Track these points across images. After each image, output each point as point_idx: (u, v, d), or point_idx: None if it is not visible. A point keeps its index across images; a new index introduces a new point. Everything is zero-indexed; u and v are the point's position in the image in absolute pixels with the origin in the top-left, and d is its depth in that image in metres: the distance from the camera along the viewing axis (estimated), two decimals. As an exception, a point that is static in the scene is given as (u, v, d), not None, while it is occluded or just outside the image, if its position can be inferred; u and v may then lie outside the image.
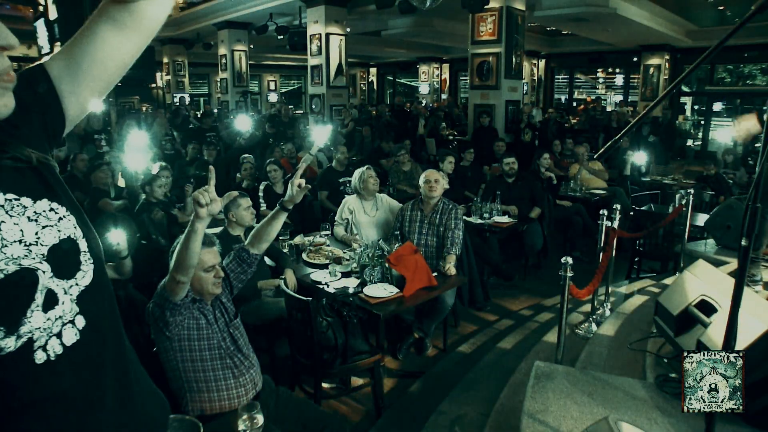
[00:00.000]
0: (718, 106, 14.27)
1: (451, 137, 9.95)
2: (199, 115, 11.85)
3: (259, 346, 2.66)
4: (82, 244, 0.71)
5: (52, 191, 0.70)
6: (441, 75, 19.20)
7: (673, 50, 13.85)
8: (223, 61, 14.22)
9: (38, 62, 0.74)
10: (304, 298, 2.50)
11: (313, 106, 10.89)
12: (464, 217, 4.35)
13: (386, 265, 3.07)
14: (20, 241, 0.62)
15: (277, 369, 3.01)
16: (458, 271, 3.46)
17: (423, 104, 14.24)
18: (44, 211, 0.67)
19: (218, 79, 15.38)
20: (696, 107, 14.60)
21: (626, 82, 16.12)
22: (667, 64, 13.98)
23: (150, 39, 0.80)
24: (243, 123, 7.76)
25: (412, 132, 9.80)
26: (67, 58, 0.74)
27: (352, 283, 3.08)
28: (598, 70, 16.96)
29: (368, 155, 7.63)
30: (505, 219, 4.61)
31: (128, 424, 0.78)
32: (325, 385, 2.96)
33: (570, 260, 2.30)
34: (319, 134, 5.53)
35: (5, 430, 0.63)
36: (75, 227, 0.71)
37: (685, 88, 14.81)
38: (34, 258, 0.64)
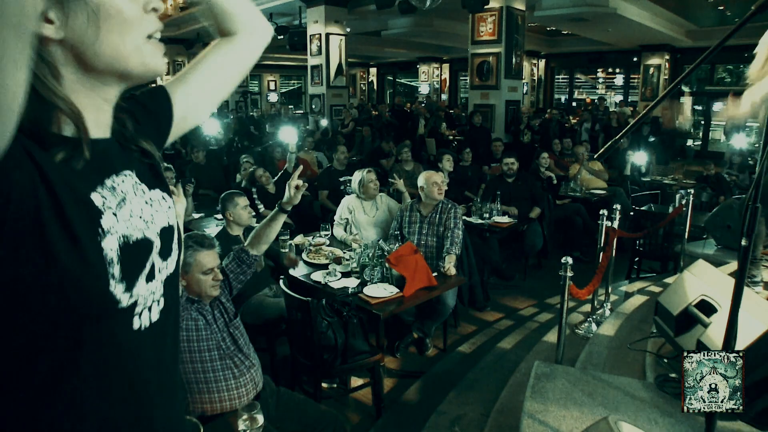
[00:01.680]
0: (718, 106, 14.26)
1: (450, 137, 9.95)
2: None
3: (259, 346, 2.66)
4: (176, 235, 0.81)
5: (164, 184, 0.81)
6: (441, 75, 19.20)
7: (673, 50, 13.86)
8: (223, 61, 14.20)
9: (159, 83, 0.88)
10: (304, 298, 2.50)
11: (313, 106, 10.90)
12: (464, 217, 4.35)
13: (386, 265, 3.06)
14: (140, 217, 0.71)
15: (277, 369, 3.01)
16: (458, 271, 3.46)
17: (423, 104, 14.24)
18: (157, 199, 0.77)
19: (218, 79, 15.35)
20: (696, 107, 14.59)
21: (626, 82, 16.12)
22: (667, 64, 13.98)
23: (251, 63, 0.97)
24: (212, 127, 7.69)
25: (412, 132, 9.80)
26: (184, 82, 0.89)
27: (352, 283, 3.08)
28: (598, 70, 16.96)
29: (368, 155, 7.63)
30: (505, 219, 4.61)
31: (171, 414, 0.83)
32: (325, 385, 2.95)
33: (570, 260, 2.30)
34: (288, 135, 5.56)
35: (90, 390, 0.67)
36: (174, 218, 0.81)
37: (685, 88, 14.80)
38: (151, 232, 0.73)
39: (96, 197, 0.65)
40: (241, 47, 0.94)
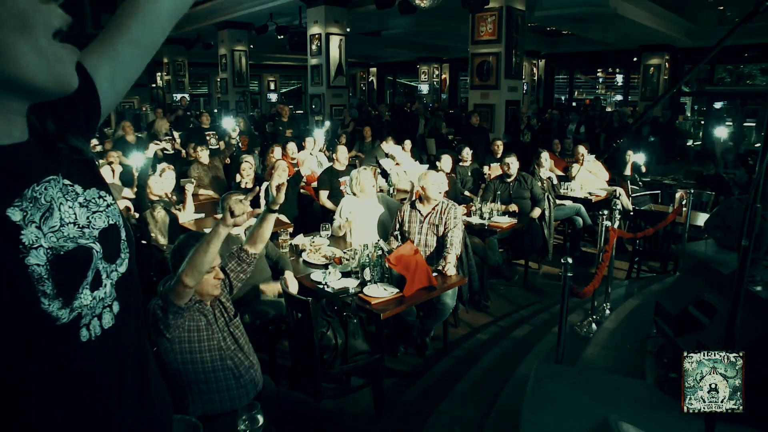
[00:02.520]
0: (718, 106, 14.27)
1: (450, 137, 9.95)
2: (197, 114, 11.85)
3: (259, 346, 2.66)
4: (122, 233, 0.75)
5: (100, 181, 0.75)
6: (441, 75, 19.20)
7: (673, 50, 13.86)
8: (223, 61, 14.23)
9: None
10: (304, 298, 2.50)
11: (313, 106, 10.90)
12: (464, 217, 4.34)
13: (386, 265, 3.06)
14: (74, 223, 0.66)
15: (277, 369, 3.01)
16: (458, 271, 3.46)
17: (423, 101, 14.24)
18: (94, 198, 0.71)
19: (218, 79, 15.40)
20: (696, 107, 14.60)
21: (626, 82, 16.13)
22: (667, 64, 13.99)
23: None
24: (229, 122, 7.74)
25: (412, 132, 9.80)
26: (103, 46, 0.77)
27: (352, 283, 3.08)
28: (598, 70, 16.97)
29: (368, 155, 7.63)
30: (505, 219, 4.61)
31: (143, 417, 0.80)
32: (325, 385, 2.95)
33: (570, 260, 2.30)
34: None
35: (47, 406, 0.64)
36: (119, 215, 0.75)
37: (685, 88, 14.82)
38: (87, 238, 0.68)
39: (13, 212, 0.59)
40: None
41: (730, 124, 13.35)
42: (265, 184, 4.90)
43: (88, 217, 0.69)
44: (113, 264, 0.72)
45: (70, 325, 0.64)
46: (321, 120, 10.49)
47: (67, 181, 0.68)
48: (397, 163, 5.98)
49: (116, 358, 0.73)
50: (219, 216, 3.51)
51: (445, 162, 5.42)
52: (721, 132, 7.80)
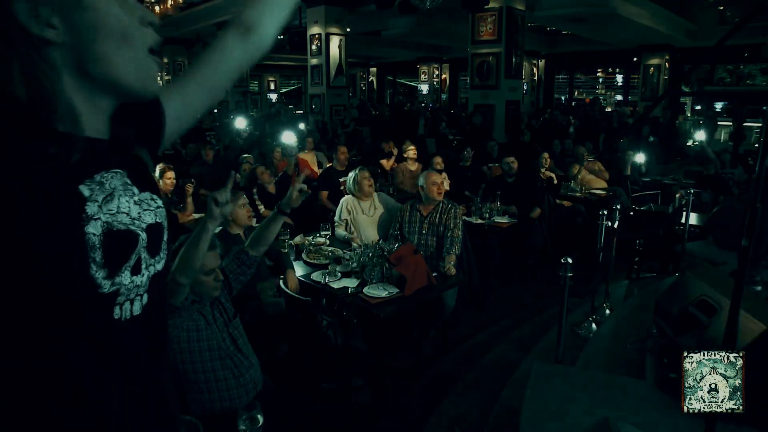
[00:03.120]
0: (718, 106, 14.27)
1: (451, 137, 9.96)
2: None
3: (259, 346, 2.66)
4: (165, 234, 0.83)
5: (154, 186, 0.84)
6: (441, 75, 19.20)
7: (673, 50, 13.86)
8: (223, 61, 14.19)
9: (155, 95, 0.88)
10: (304, 298, 2.50)
11: (313, 106, 10.90)
12: (464, 217, 4.34)
13: (386, 265, 3.06)
14: (128, 214, 0.75)
15: (277, 369, 3.01)
16: (458, 271, 3.46)
17: (423, 104, 14.24)
18: (146, 199, 0.80)
19: (218, 79, 15.36)
20: (696, 107, 14.61)
21: (626, 82, 16.13)
22: (667, 64, 13.98)
23: (259, 56, 0.96)
24: (241, 123, 7.79)
25: (412, 132, 9.80)
26: (177, 84, 0.91)
27: (352, 283, 3.08)
28: (598, 70, 16.97)
29: (368, 155, 7.63)
30: (505, 219, 4.60)
31: (153, 415, 0.83)
32: (325, 385, 2.95)
33: (570, 260, 2.30)
34: (287, 137, 5.59)
35: (76, 370, 0.70)
36: (165, 218, 0.83)
37: (685, 88, 14.82)
38: (136, 227, 0.76)
39: (83, 189, 0.69)
40: (251, 47, 0.94)
41: (730, 124, 13.37)
42: (255, 187, 4.91)
43: (139, 213, 0.77)
44: (154, 258, 0.79)
45: (109, 297, 0.71)
46: (321, 120, 10.49)
47: (128, 180, 0.78)
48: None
49: (137, 346, 0.78)
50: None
51: (436, 164, 5.39)
52: (701, 135, 7.81)
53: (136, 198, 0.78)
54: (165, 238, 0.83)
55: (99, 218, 0.70)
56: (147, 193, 0.81)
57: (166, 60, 16.76)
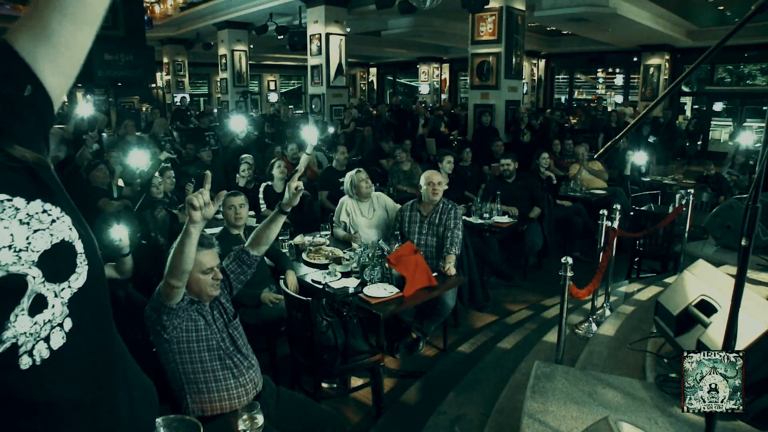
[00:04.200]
0: (718, 106, 14.27)
1: (451, 137, 9.96)
2: (197, 114, 11.84)
3: (259, 346, 2.66)
4: (78, 246, 0.69)
5: (47, 191, 0.67)
6: (441, 75, 19.20)
7: (673, 50, 13.86)
8: (223, 61, 14.23)
9: (1, 40, 0.66)
10: (304, 298, 2.50)
11: (313, 106, 10.89)
12: (464, 217, 4.34)
13: (386, 265, 3.06)
14: (10, 247, 0.61)
15: (277, 369, 3.01)
16: (458, 271, 3.46)
17: (423, 104, 14.23)
18: (37, 212, 0.64)
19: (218, 79, 15.39)
20: (696, 107, 14.61)
21: (626, 82, 16.13)
22: (667, 64, 13.99)
23: None
24: (239, 123, 7.75)
25: (412, 132, 9.79)
26: (33, 26, 0.66)
27: (352, 283, 3.08)
28: (598, 70, 16.97)
29: (368, 155, 7.63)
30: (505, 219, 4.61)
31: (123, 420, 0.78)
32: (325, 385, 2.95)
33: (570, 260, 2.30)
34: (309, 133, 5.53)
35: None
36: (70, 228, 0.68)
37: (685, 88, 14.82)
38: (23, 264, 0.62)
39: None
40: None
41: (729, 124, 13.37)
42: (263, 185, 4.90)
43: (27, 238, 0.63)
44: (64, 282, 0.67)
45: (2, 356, 0.60)
46: (321, 119, 10.49)
47: (2, 196, 0.61)
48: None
49: (75, 375, 0.68)
50: (219, 216, 3.53)
51: (447, 164, 5.40)
52: (747, 139, 7.64)
53: (21, 215, 0.63)
54: (80, 249, 0.69)
55: None
56: (38, 202, 0.65)
57: (166, 60, 16.77)
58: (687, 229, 3.96)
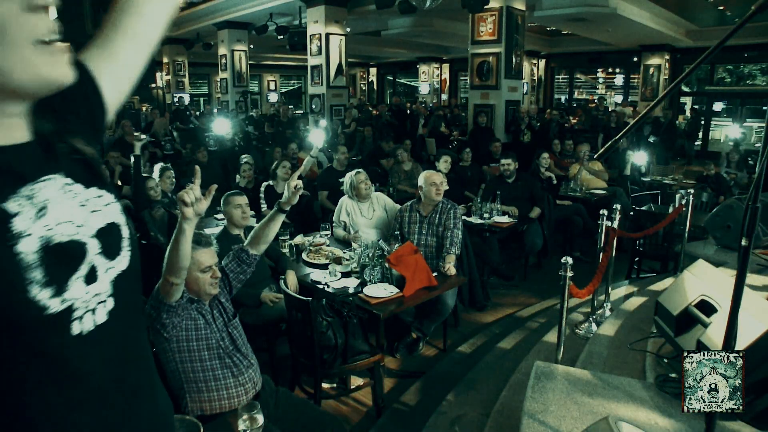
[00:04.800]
0: (718, 106, 14.27)
1: (451, 137, 9.96)
2: (198, 114, 11.85)
3: (259, 346, 2.66)
4: (124, 231, 0.77)
5: (101, 180, 0.76)
6: (441, 75, 19.20)
7: (673, 50, 13.86)
8: (223, 61, 14.22)
9: (75, 58, 0.75)
10: (304, 298, 2.50)
11: (313, 106, 10.89)
12: (464, 217, 4.34)
13: (386, 265, 3.06)
14: (71, 222, 0.68)
15: (277, 369, 3.01)
16: (458, 271, 3.46)
17: (423, 104, 14.25)
18: (92, 197, 0.72)
19: (218, 79, 15.38)
20: (696, 107, 14.60)
21: (626, 82, 16.13)
22: (667, 64, 13.98)
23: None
24: (222, 126, 7.66)
25: (412, 132, 9.79)
26: (102, 43, 0.79)
27: (352, 283, 3.08)
28: (598, 70, 16.96)
29: (368, 155, 7.63)
30: (505, 219, 4.60)
31: (144, 417, 0.80)
32: (325, 385, 2.95)
33: (570, 260, 2.30)
34: (317, 136, 5.52)
35: (40, 402, 0.65)
36: (119, 214, 0.77)
37: (685, 88, 14.82)
38: (84, 235, 0.70)
39: (8, 206, 0.62)
40: None
41: (729, 124, 13.36)
42: (264, 184, 4.90)
43: (85, 217, 0.70)
44: (112, 260, 0.73)
45: (60, 316, 0.65)
46: (321, 119, 10.49)
47: (68, 180, 0.69)
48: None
49: (108, 354, 0.72)
50: (220, 216, 3.53)
51: (443, 164, 5.40)
52: (735, 132, 7.60)
53: (80, 199, 0.70)
54: (126, 234, 0.76)
55: (31, 234, 0.62)
56: (93, 189, 0.73)
57: (166, 60, 16.77)
58: (687, 229, 3.96)
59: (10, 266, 0.60)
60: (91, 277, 0.69)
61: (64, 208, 0.68)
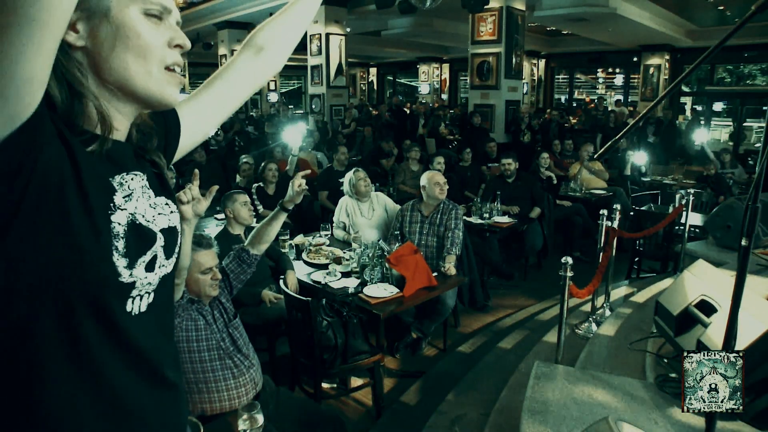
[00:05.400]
0: (718, 106, 14.27)
1: (451, 137, 9.96)
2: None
3: (259, 346, 2.66)
4: (179, 239, 0.87)
5: (169, 192, 0.87)
6: (441, 75, 19.20)
7: (673, 50, 13.86)
8: (223, 61, 14.22)
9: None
10: (304, 298, 2.50)
11: (313, 106, 10.89)
12: (464, 217, 4.34)
13: (386, 265, 3.06)
14: (143, 215, 0.78)
15: (277, 369, 3.01)
16: (458, 271, 3.46)
17: (423, 105, 14.25)
18: (161, 204, 0.83)
19: (218, 79, 15.35)
20: (696, 107, 14.61)
21: (626, 82, 16.12)
22: (667, 64, 13.98)
23: (278, 68, 1.05)
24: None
25: (412, 132, 9.79)
26: (194, 98, 0.96)
27: (352, 283, 3.08)
28: (598, 70, 16.96)
29: (368, 155, 7.63)
30: (505, 219, 4.61)
31: (170, 410, 0.86)
32: (325, 385, 2.96)
33: (570, 260, 2.30)
34: (293, 137, 5.55)
35: (88, 374, 0.71)
36: (179, 223, 0.87)
37: (685, 88, 14.82)
38: (156, 226, 0.80)
39: (113, 181, 0.74)
40: (262, 65, 1.02)
41: (729, 124, 13.37)
42: (254, 186, 4.89)
43: (154, 216, 0.80)
44: (168, 259, 0.82)
45: (126, 287, 0.73)
46: (321, 120, 10.49)
47: (146, 184, 0.81)
48: None
49: (142, 341, 0.78)
50: (220, 216, 3.53)
51: (438, 164, 5.37)
52: (702, 135, 7.54)
53: (151, 202, 0.81)
54: (179, 242, 0.86)
55: (125, 210, 0.73)
56: (162, 197, 0.84)
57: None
58: (687, 229, 3.96)
59: (105, 231, 0.69)
60: (150, 266, 0.77)
61: (141, 202, 0.78)
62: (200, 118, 0.97)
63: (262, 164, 5.03)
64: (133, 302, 0.76)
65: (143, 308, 0.78)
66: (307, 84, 11.69)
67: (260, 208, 4.74)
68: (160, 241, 0.80)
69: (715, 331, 1.76)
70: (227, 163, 6.88)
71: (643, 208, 4.77)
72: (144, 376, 0.79)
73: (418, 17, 11.36)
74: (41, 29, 0.54)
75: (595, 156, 5.75)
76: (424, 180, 3.69)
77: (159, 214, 0.82)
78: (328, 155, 7.19)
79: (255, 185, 4.89)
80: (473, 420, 2.54)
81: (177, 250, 0.86)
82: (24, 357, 0.67)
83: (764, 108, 12.34)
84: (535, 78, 16.79)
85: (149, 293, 0.79)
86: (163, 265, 0.81)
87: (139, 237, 0.76)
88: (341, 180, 5.32)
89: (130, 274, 0.73)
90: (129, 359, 0.76)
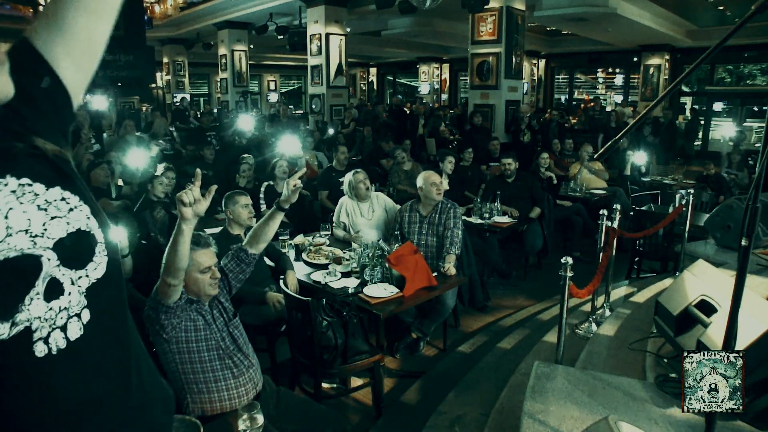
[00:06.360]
0: (718, 106, 14.27)
1: (451, 137, 9.96)
2: (198, 115, 11.84)
3: (259, 346, 2.66)
4: (98, 236, 0.70)
5: (67, 179, 0.69)
6: (441, 75, 19.20)
7: (673, 50, 13.86)
8: (223, 61, 14.23)
9: (20, 37, 0.68)
10: (304, 298, 2.50)
11: (313, 106, 10.90)
12: (464, 217, 4.34)
13: (386, 265, 3.06)
14: (26, 231, 0.62)
15: (277, 369, 3.01)
16: (458, 271, 3.46)
17: (424, 102, 14.25)
18: (55, 199, 0.66)
19: (218, 79, 15.40)
20: (696, 107, 14.61)
21: (626, 82, 16.13)
22: (667, 64, 13.99)
23: None
24: (245, 123, 7.75)
25: (412, 132, 9.79)
26: (51, 20, 0.69)
27: (352, 283, 3.08)
28: (598, 70, 16.97)
29: (368, 155, 7.63)
30: (505, 219, 4.60)
31: (138, 424, 0.77)
32: (325, 385, 2.95)
33: (570, 260, 2.30)
34: (289, 145, 5.59)
35: (14, 420, 0.62)
36: (88, 218, 0.69)
37: (685, 88, 14.82)
38: (39, 247, 0.63)
39: None
40: None
41: (725, 123, 13.36)
42: (264, 184, 4.90)
43: (44, 224, 0.64)
44: (81, 269, 0.67)
45: (14, 341, 0.60)
46: (321, 120, 10.49)
47: (24, 180, 0.63)
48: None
49: (91, 370, 0.68)
50: (221, 216, 3.52)
51: (448, 164, 5.38)
52: (728, 131, 7.56)
53: (39, 201, 0.64)
54: (99, 239, 0.70)
55: None
56: (57, 189, 0.66)
57: (166, 60, 16.77)
58: (687, 229, 3.96)
59: None
60: (53, 293, 0.63)
61: (17, 217, 0.61)
62: (79, 44, 0.70)
63: (273, 161, 5.01)
64: (46, 343, 0.62)
65: (74, 335, 0.65)
66: (307, 84, 11.70)
67: (263, 207, 4.74)
68: (53, 260, 0.64)
69: (715, 331, 1.76)
70: (228, 164, 6.88)
71: (643, 208, 4.77)
72: (95, 408, 0.68)
73: (418, 17, 11.36)
74: None
75: (595, 156, 5.76)
76: (420, 181, 3.68)
77: (52, 218, 0.64)
78: (328, 155, 7.19)
79: (265, 183, 4.88)
80: (473, 420, 2.54)
81: (99, 251, 0.69)
82: None
83: (764, 108, 12.33)
84: (535, 78, 16.79)
85: (76, 316, 0.66)
86: (80, 278, 0.67)
87: (14, 274, 0.60)
88: (341, 180, 5.32)
89: (13, 323, 0.59)
90: (72, 402, 0.65)
